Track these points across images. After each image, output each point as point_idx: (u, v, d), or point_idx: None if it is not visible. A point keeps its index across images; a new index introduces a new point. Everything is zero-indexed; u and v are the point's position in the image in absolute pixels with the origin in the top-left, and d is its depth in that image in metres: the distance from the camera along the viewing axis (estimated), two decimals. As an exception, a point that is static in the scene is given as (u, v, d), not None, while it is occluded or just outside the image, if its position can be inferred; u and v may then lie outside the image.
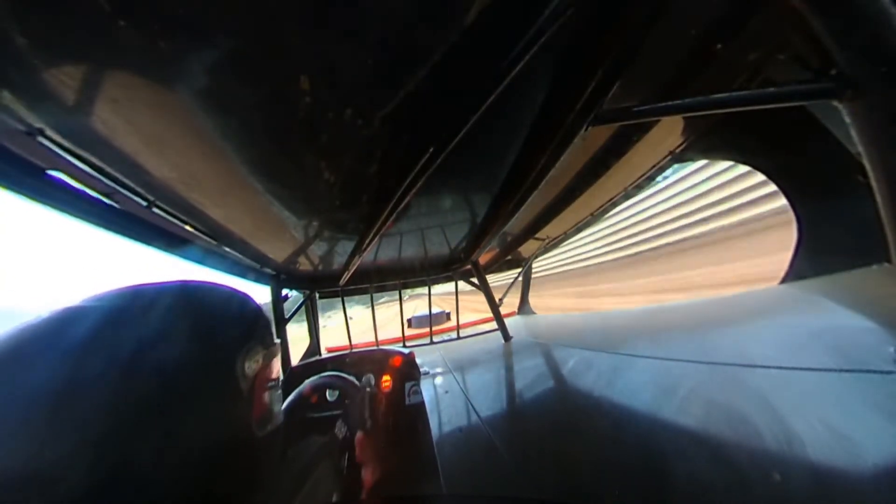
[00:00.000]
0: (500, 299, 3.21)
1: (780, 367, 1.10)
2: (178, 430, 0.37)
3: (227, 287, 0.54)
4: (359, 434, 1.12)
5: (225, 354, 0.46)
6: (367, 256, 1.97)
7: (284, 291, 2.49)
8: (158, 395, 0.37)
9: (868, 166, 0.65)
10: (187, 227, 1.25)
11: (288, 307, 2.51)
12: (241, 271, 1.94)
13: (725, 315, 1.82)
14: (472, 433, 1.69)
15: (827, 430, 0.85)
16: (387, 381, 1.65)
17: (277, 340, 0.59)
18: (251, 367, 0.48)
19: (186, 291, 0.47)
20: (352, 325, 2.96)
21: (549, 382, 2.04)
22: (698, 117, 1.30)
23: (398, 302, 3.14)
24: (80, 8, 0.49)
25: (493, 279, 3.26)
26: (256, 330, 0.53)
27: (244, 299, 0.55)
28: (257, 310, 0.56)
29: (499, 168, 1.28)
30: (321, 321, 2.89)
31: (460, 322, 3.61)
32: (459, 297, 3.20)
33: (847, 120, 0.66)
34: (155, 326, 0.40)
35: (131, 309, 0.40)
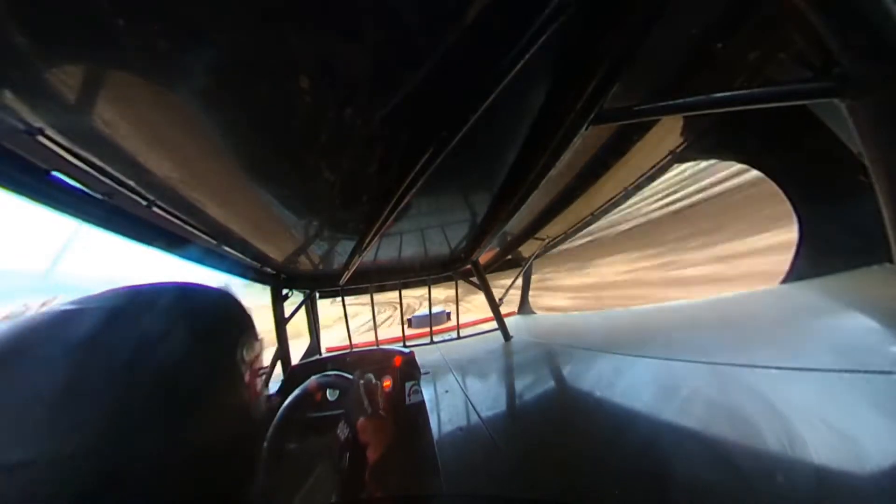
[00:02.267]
0: (501, 299, 3.21)
1: (781, 368, 1.10)
2: (178, 427, 0.38)
3: (207, 285, 0.54)
4: (359, 433, 1.12)
5: (219, 350, 0.46)
6: (368, 256, 1.97)
7: (284, 291, 2.49)
8: (156, 395, 0.37)
9: (869, 165, 0.65)
10: (187, 227, 1.26)
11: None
12: (241, 271, 1.94)
13: (726, 315, 1.82)
14: (473, 432, 1.69)
15: (828, 431, 0.85)
16: (387, 380, 1.65)
17: (261, 336, 0.59)
18: (245, 360, 0.49)
19: (173, 292, 0.47)
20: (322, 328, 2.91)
21: (550, 382, 2.04)
22: (698, 117, 1.30)
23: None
24: (79, 8, 0.49)
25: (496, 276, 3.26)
26: (244, 324, 0.54)
27: (228, 295, 0.56)
28: (241, 305, 0.57)
29: (499, 168, 1.28)
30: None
31: (460, 322, 3.61)
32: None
33: (848, 119, 0.66)
34: (147, 327, 0.40)
35: (122, 310, 0.41)
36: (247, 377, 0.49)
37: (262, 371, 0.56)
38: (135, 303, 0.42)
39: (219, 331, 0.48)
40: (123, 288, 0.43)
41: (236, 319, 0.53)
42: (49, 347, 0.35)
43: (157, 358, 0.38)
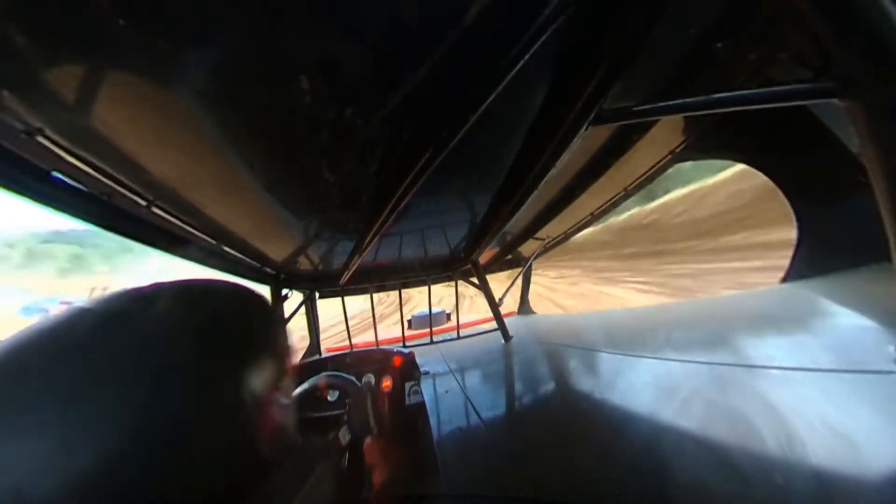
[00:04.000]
0: (500, 299, 3.21)
1: (781, 368, 1.10)
2: (174, 435, 0.37)
3: (239, 287, 0.52)
4: (359, 434, 1.12)
5: (230, 358, 0.45)
6: (368, 256, 1.97)
7: (284, 291, 2.49)
8: (158, 400, 0.36)
9: (869, 166, 0.65)
10: (187, 227, 1.25)
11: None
12: (241, 271, 1.94)
13: (726, 315, 1.82)
14: (472, 433, 1.69)
15: (827, 431, 0.85)
16: (387, 380, 1.65)
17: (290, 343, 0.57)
18: (258, 371, 0.47)
19: (193, 291, 0.46)
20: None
21: (550, 383, 2.04)
22: (698, 117, 1.30)
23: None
24: (79, 8, 0.49)
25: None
26: (267, 331, 0.52)
27: (253, 298, 0.53)
28: (267, 309, 0.55)
29: (499, 168, 1.28)
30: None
31: (460, 322, 3.60)
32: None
33: (847, 119, 0.66)
34: (158, 328, 0.39)
35: (133, 311, 0.40)
36: (256, 388, 0.47)
37: (277, 373, 0.53)
38: (138, 305, 0.42)
39: (228, 335, 0.47)
40: (130, 289, 0.43)
41: (252, 323, 0.51)
42: (52, 352, 0.35)
43: (155, 362, 0.38)
